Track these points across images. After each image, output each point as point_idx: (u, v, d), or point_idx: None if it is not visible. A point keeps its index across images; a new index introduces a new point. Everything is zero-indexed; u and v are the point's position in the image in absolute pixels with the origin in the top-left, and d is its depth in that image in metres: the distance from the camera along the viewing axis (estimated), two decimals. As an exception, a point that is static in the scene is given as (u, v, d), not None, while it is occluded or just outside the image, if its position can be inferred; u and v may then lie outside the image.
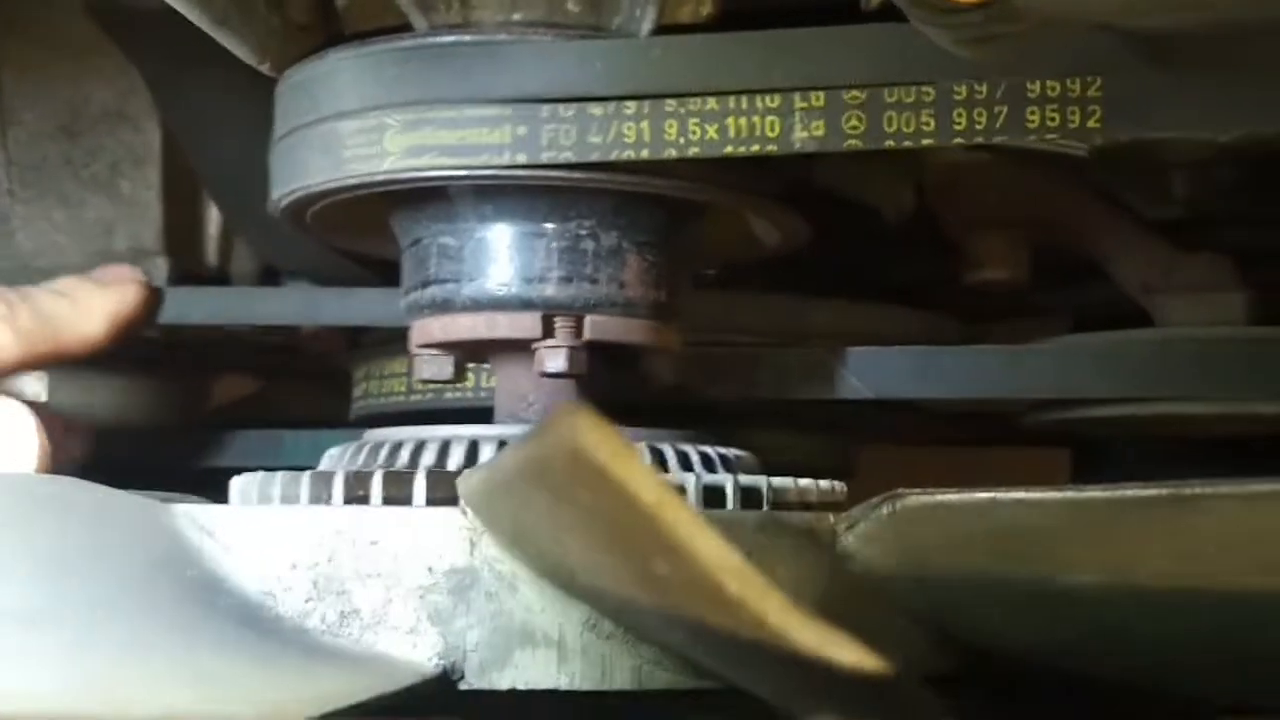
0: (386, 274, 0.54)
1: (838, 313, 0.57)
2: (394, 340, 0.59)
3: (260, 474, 0.42)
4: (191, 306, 0.57)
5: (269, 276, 0.68)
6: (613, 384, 0.50)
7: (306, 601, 0.35)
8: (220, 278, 0.68)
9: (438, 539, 0.36)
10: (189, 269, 0.66)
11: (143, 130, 0.63)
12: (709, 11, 0.44)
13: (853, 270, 0.65)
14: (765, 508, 0.40)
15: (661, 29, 0.42)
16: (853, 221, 0.65)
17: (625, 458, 0.22)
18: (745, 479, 0.40)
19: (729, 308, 0.56)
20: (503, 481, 0.31)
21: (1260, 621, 0.31)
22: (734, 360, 0.53)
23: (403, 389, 0.60)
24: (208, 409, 0.75)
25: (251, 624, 0.34)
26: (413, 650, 0.35)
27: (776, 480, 0.41)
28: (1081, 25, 0.33)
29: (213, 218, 0.67)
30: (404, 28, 0.44)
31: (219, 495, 0.66)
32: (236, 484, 0.44)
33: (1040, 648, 0.36)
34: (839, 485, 0.45)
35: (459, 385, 0.55)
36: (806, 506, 0.42)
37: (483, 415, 0.53)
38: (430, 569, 0.35)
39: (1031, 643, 0.36)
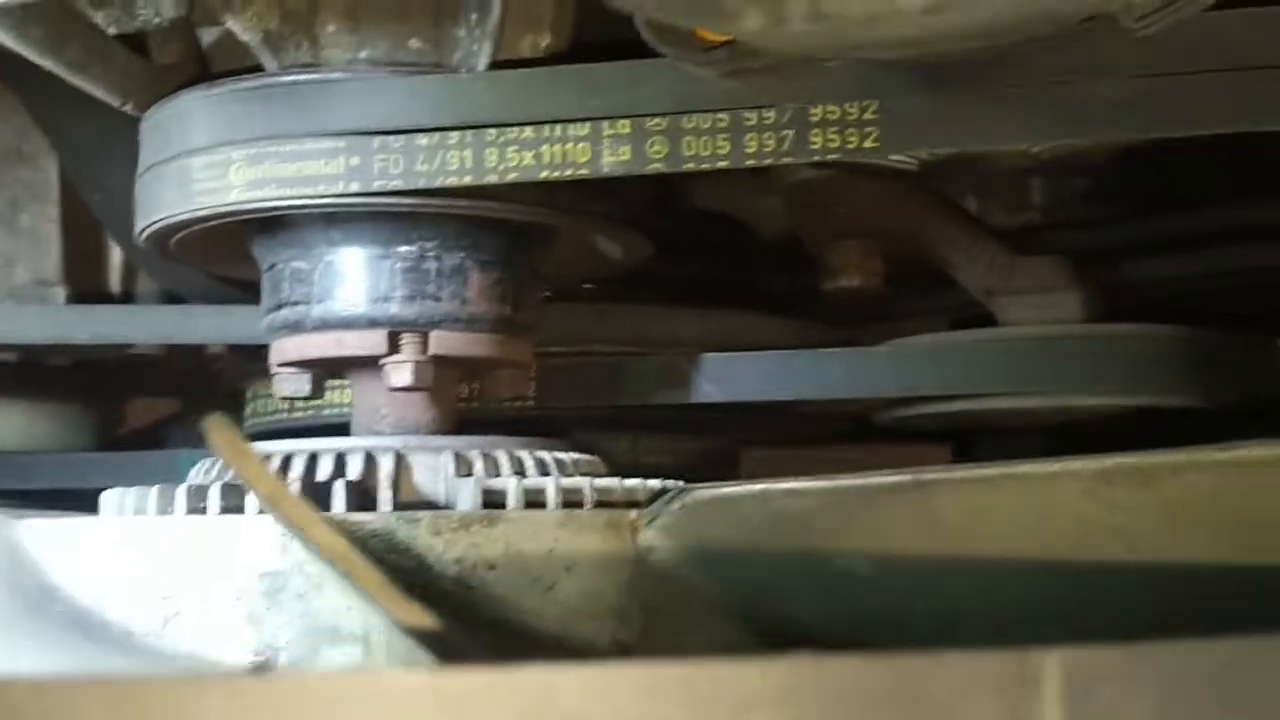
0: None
1: (704, 322, 0.60)
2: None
3: (121, 490, 0.45)
4: (74, 325, 0.59)
5: (172, 302, 0.71)
6: (475, 396, 0.53)
7: (133, 607, 0.38)
8: (125, 304, 0.71)
9: (253, 545, 0.38)
10: (93, 297, 0.69)
11: (41, 167, 0.66)
12: (548, 44, 0.47)
13: (735, 280, 0.68)
14: (588, 507, 0.43)
15: (500, 64, 0.45)
16: (733, 235, 0.68)
17: (244, 459, 0.25)
18: (568, 481, 0.43)
19: (596, 319, 0.59)
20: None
21: (1003, 589, 0.34)
22: (596, 369, 0.56)
23: (286, 406, 0.62)
24: (121, 433, 0.77)
25: (79, 629, 0.37)
26: (230, 649, 0.37)
27: (600, 481, 0.44)
28: (818, 57, 0.36)
29: (115, 248, 0.70)
30: (259, 69, 0.47)
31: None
32: (103, 497, 0.46)
33: (828, 628, 0.39)
34: (674, 485, 0.47)
35: (335, 402, 0.58)
36: (634, 503, 0.44)
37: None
38: (246, 573, 0.38)
39: (820, 623, 0.39)
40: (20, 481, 0.69)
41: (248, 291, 0.59)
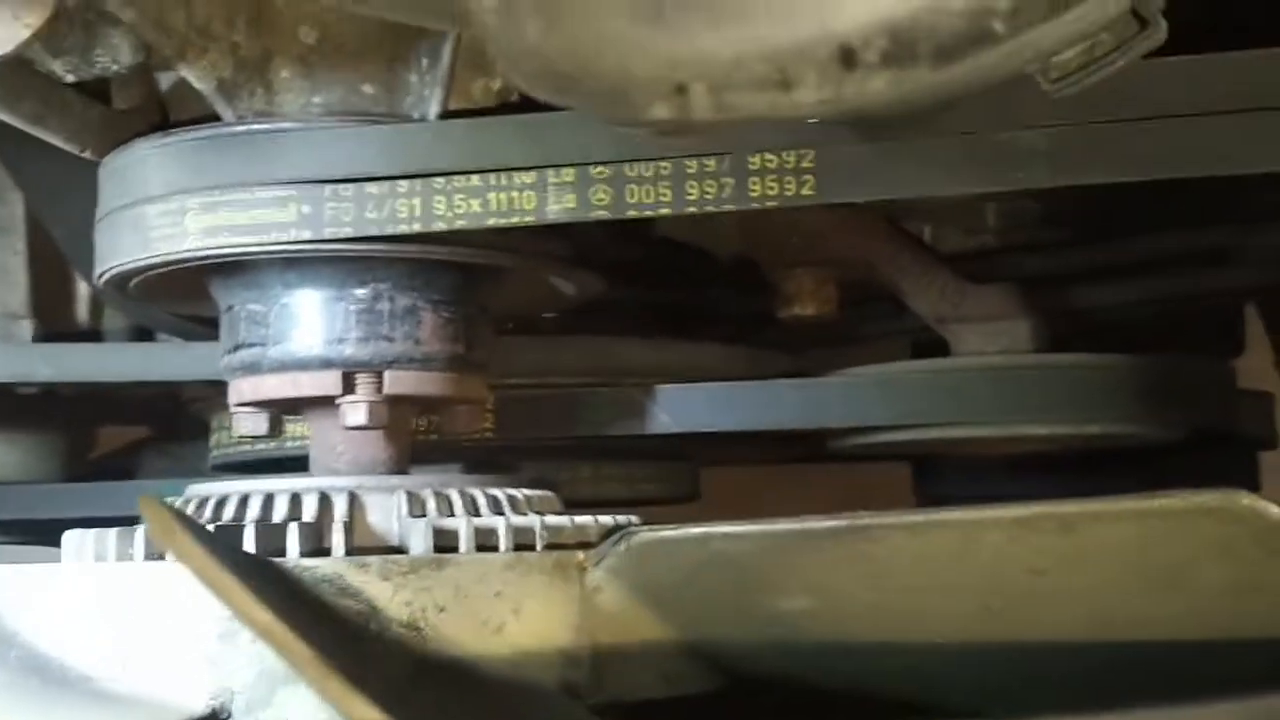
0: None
1: (658, 351, 0.61)
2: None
3: (84, 530, 0.46)
4: (39, 363, 0.60)
5: (140, 337, 0.72)
6: (429, 431, 0.54)
7: (91, 652, 0.39)
8: (93, 337, 0.72)
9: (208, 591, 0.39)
10: (61, 330, 0.69)
11: (7, 201, 0.67)
12: (499, 88, 0.48)
13: (690, 306, 0.69)
14: (539, 546, 0.44)
15: (453, 111, 0.46)
16: (688, 263, 0.70)
17: (170, 534, 0.26)
18: (519, 520, 0.44)
19: (552, 351, 0.60)
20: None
21: (937, 630, 0.35)
22: (551, 401, 0.57)
23: (250, 439, 0.63)
24: (90, 462, 0.78)
25: (38, 673, 0.38)
26: (187, 694, 0.38)
27: (551, 519, 0.45)
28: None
29: (82, 282, 0.71)
30: (217, 117, 0.47)
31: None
32: (65, 538, 0.47)
33: (769, 665, 0.40)
34: (626, 519, 0.48)
35: (298, 434, 0.59)
36: (584, 543, 0.45)
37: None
38: (202, 618, 0.39)
39: (762, 661, 0.40)
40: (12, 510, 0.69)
41: (211, 326, 0.60)
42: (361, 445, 0.49)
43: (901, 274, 0.60)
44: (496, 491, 0.47)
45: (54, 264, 0.69)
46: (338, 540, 0.42)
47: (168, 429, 0.79)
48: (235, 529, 0.42)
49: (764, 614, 0.39)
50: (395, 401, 0.48)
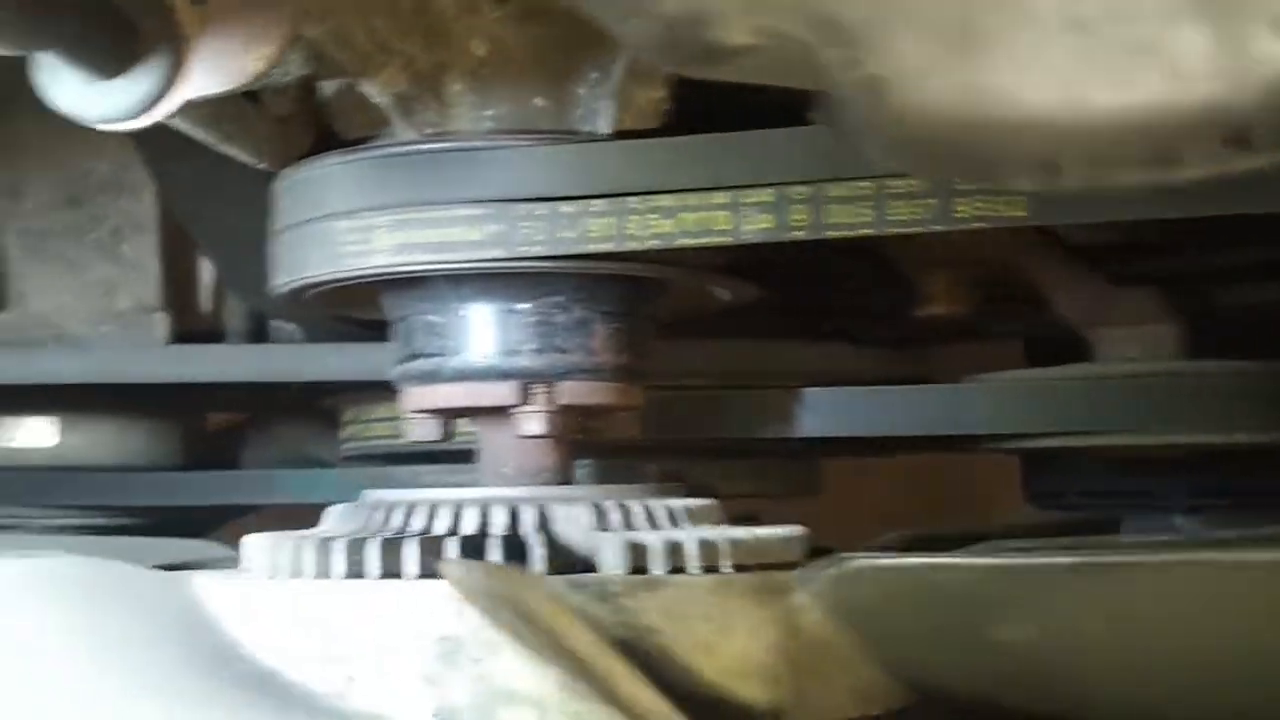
0: (373, 327, 0.58)
1: (791, 353, 0.62)
2: (377, 386, 0.63)
3: (269, 537, 0.46)
4: (193, 364, 0.61)
5: (259, 325, 0.72)
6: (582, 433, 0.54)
7: (313, 668, 0.40)
8: (213, 327, 0.72)
9: (428, 609, 0.40)
10: (185, 321, 0.70)
11: (141, 198, 0.68)
12: (663, 97, 0.48)
13: (801, 305, 0.69)
14: (726, 561, 0.44)
15: (620, 132, 0.46)
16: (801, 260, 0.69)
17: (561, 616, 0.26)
18: (707, 533, 0.44)
19: (688, 354, 0.60)
20: (481, 593, 0.36)
21: (1173, 677, 0.35)
22: (696, 404, 0.57)
23: (388, 432, 0.64)
24: (205, 449, 0.79)
25: (265, 690, 0.38)
26: (409, 711, 0.39)
27: (734, 532, 0.45)
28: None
29: (205, 273, 0.72)
30: (385, 124, 0.48)
31: (217, 532, 0.71)
32: (248, 545, 0.48)
33: (973, 689, 0.41)
34: (797, 530, 0.49)
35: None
36: (763, 555, 0.46)
37: (460, 456, 0.57)
38: (422, 637, 0.39)
39: (965, 685, 0.41)
40: (121, 498, 0.70)
41: (363, 328, 0.60)
42: (532, 453, 0.49)
43: (1048, 275, 0.60)
44: (672, 503, 0.47)
45: (179, 261, 0.70)
46: (539, 554, 0.43)
47: (268, 414, 0.80)
48: (397, 544, 0.43)
49: (979, 642, 0.39)
50: (568, 411, 0.48)
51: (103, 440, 0.73)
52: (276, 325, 0.72)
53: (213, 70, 0.37)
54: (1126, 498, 0.68)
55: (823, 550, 0.50)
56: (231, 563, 0.51)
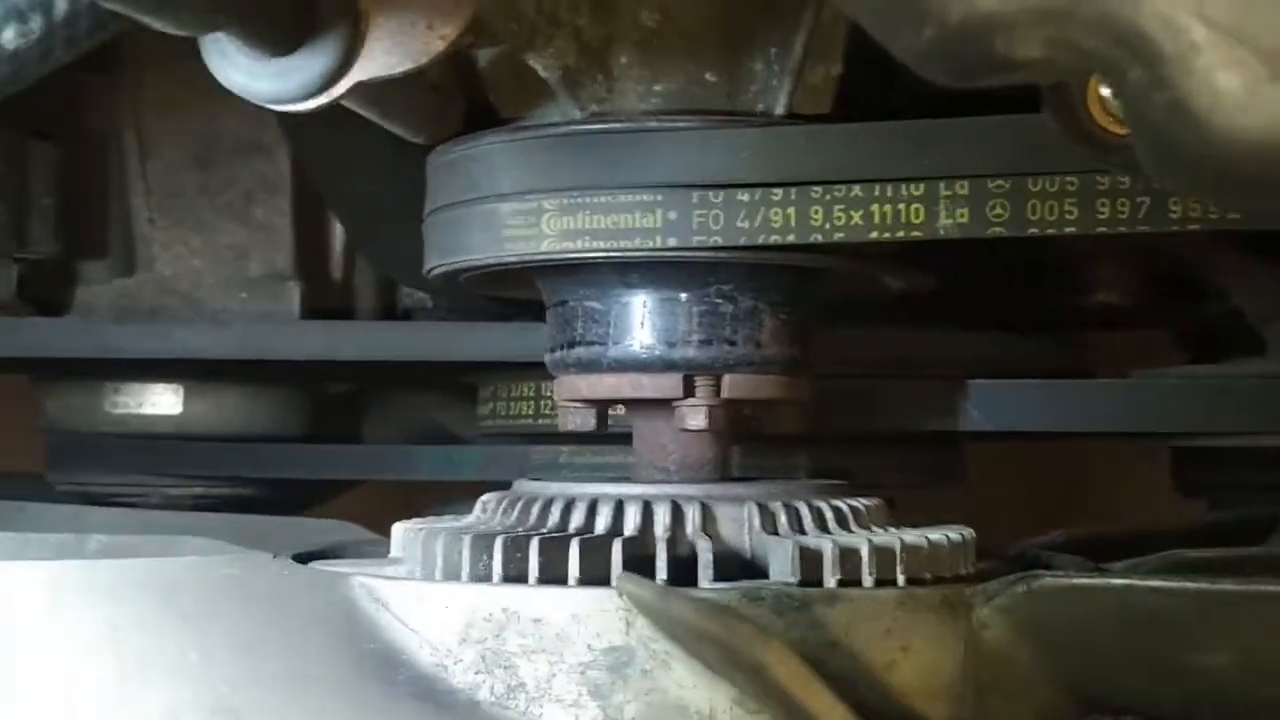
0: (519, 304, 0.56)
1: (948, 343, 0.59)
2: (521, 364, 0.61)
3: (421, 528, 0.45)
4: (335, 342, 0.60)
5: (388, 291, 0.71)
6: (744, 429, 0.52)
7: (476, 674, 0.38)
8: (344, 295, 0.71)
9: (596, 618, 0.38)
10: (316, 289, 0.69)
11: (274, 160, 0.66)
12: (838, 74, 0.45)
13: (950, 291, 0.66)
14: (899, 566, 0.42)
15: (794, 113, 0.43)
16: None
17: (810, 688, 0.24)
18: (879, 538, 0.42)
19: (843, 341, 0.57)
20: (670, 625, 0.34)
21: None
22: (851, 395, 0.55)
23: (530, 412, 0.62)
24: (327, 417, 0.78)
25: (427, 697, 0.37)
26: (576, 723, 0.38)
27: (908, 537, 0.43)
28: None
29: (337, 239, 0.70)
30: (544, 96, 0.45)
31: (344, 508, 0.70)
32: (398, 533, 0.46)
33: (1166, 708, 0.39)
34: (968, 534, 0.46)
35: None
36: (938, 562, 0.43)
37: (603, 438, 0.56)
38: (590, 646, 0.38)
39: (1159, 707, 0.39)
40: (252, 469, 0.70)
41: (508, 305, 0.58)
42: (692, 447, 0.47)
43: (1225, 267, 0.56)
44: (841, 503, 0.45)
45: (311, 227, 0.69)
46: (705, 560, 0.41)
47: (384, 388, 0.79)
48: (560, 544, 0.41)
49: (1174, 666, 0.37)
50: (731, 405, 0.46)
51: (227, 409, 0.72)
52: (407, 292, 0.71)
53: (392, 49, 0.35)
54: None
55: (988, 553, 0.48)
56: (375, 549, 0.50)
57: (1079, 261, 0.60)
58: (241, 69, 0.34)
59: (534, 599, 0.39)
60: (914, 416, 0.54)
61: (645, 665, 0.38)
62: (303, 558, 0.46)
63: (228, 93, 0.65)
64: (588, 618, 0.38)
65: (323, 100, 0.35)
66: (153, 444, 0.71)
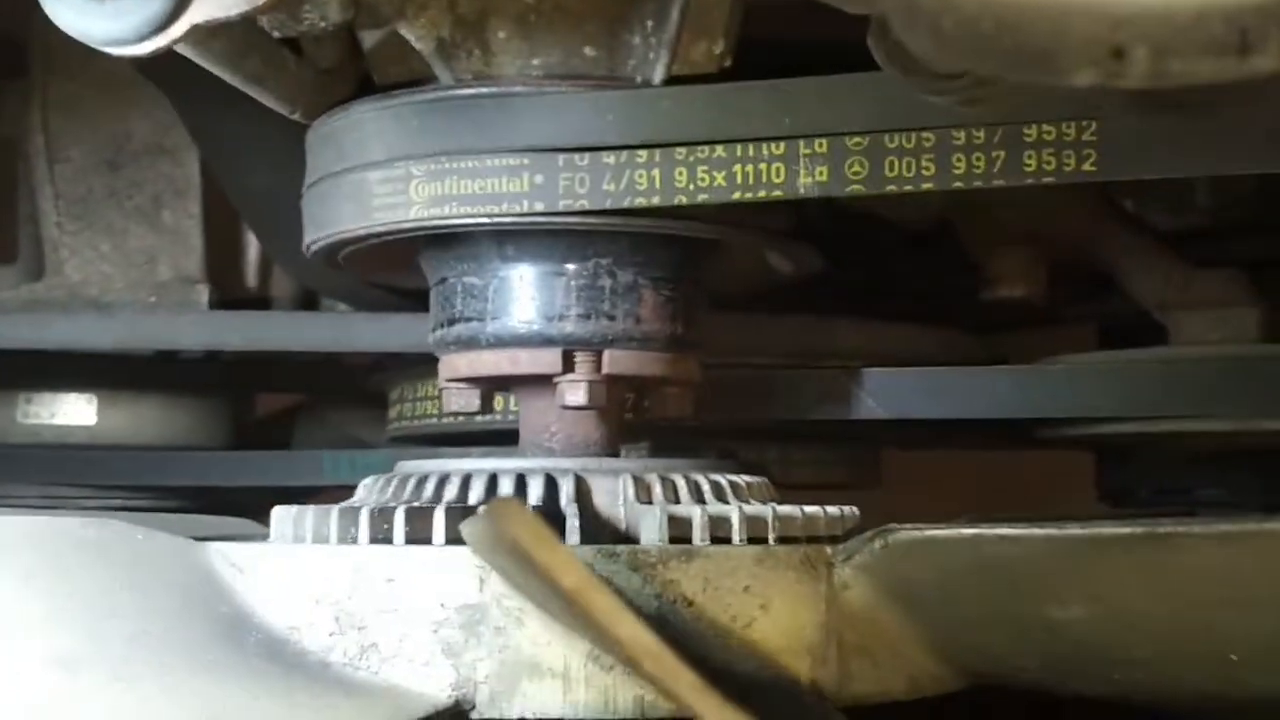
0: (419, 299, 0.56)
1: (854, 332, 0.59)
2: (425, 362, 0.61)
3: (296, 507, 0.44)
4: (229, 331, 0.59)
5: (307, 300, 0.71)
6: (632, 410, 0.52)
7: (329, 636, 0.38)
8: (260, 302, 0.71)
9: (450, 577, 0.38)
10: (230, 294, 0.69)
11: (182, 163, 0.66)
12: (720, 51, 0.46)
13: (869, 286, 0.66)
14: (771, 535, 0.41)
15: (674, 78, 0.44)
16: (871, 236, 0.67)
17: (548, 546, 0.24)
18: (751, 508, 0.42)
19: (744, 330, 0.57)
20: (481, 548, 0.34)
21: (1233, 653, 0.33)
22: (749, 383, 0.55)
23: (435, 411, 0.62)
24: (249, 429, 0.77)
25: (277, 659, 0.36)
26: (428, 682, 0.37)
27: (782, 509, 0.42)
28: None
29: (251, 244, 0.70)
30: (429, 77, 0.46)
31: (263, 516, 0.69)
32: (276, 514, 0.46)
33: (1025, 667, 0.38)
34: (848, 510, 0.46)
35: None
36: (813, 533, 0.43)
37: (512, 437, 0.55)
38: (443, 605, 0.37)
39: (1019, 663, 0.38)
40: (161, 478, 0.69)
41: (406, 297, 0.58)
42: (575, 425, 0.47)
43: (1124, 254, 0.56)
44: (719, 477, 0.45)
45: (223, 230, 0.69)
46: (573, 524, 0.41)
47: (323, 395, 0.78)
48: (426, 512, 0.40)
49: (1031, 620, 0.36)
50: (613, 381, 0.46)
51: (144, 419, 0.72)
52: (328, 304, 0.71)
53: (221, -8, 0.34)
54: (1201, 494, 0.64)
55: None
56: (265, 539, 0.49)
57: (984, 254, 0.60)
58: (73, 7, 0.33)
59: (386, 558, 0.38)
60: (809, 404, 0.54)
61: (499, 622, 0.37)
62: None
63: (137, 94, 0.66)
64: (440, 575, 0.38)
65: (160, 43, 0.35)
66: (66, 454, 0.70)
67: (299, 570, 0.39)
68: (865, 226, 0.66)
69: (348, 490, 0.63)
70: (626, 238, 0.45)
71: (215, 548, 0.40)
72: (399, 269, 0.51)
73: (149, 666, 0.36)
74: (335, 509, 0.42)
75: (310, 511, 0.43)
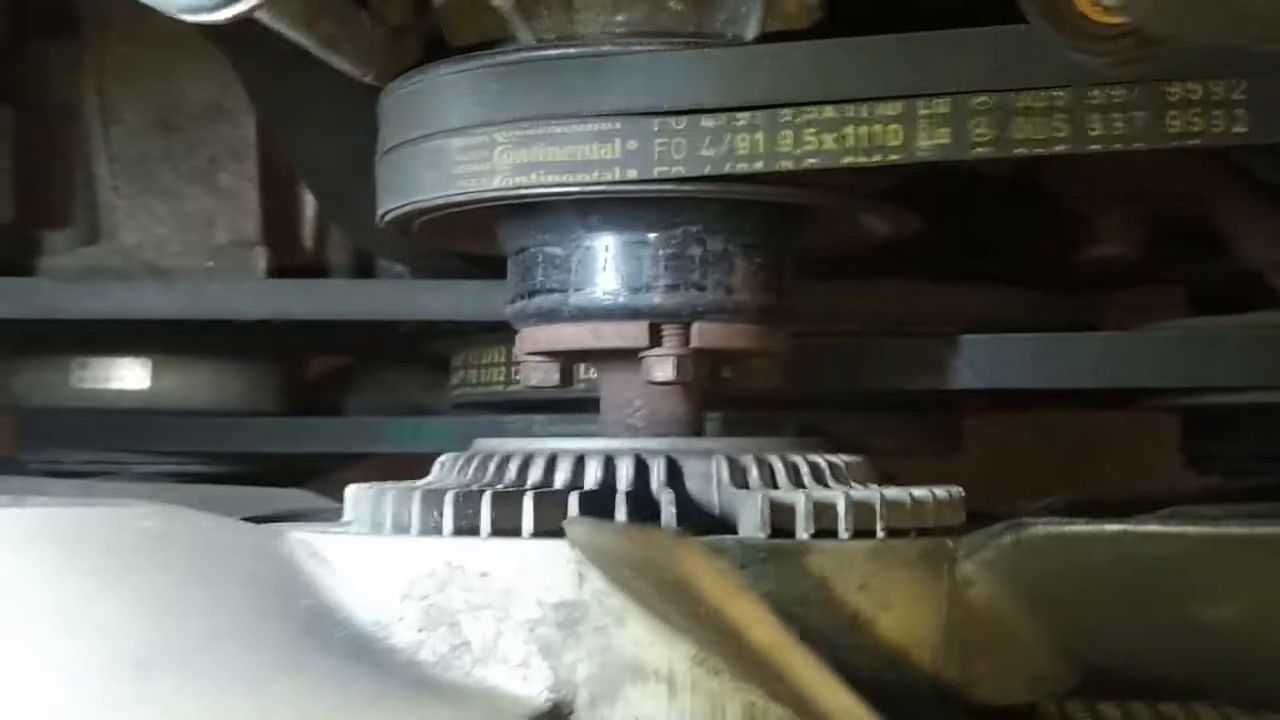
0: (485, 264, 0.53)
1: (945, 297, 0.56)
2: (491, 329, 0.59)
3: (374, 487, 0.42)
4: (292, 300, 0.57)
5: (363, 263, 0.68)
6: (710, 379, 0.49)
7: (419, 632, 0.35)
8: (316, 265, 0.68)
9: (546, 572, 0.35)
10: (286, 257, 0.66)
11: (239, 124, 0.63)
12: (814, 3, 0.42)
13: (945, 245, 0.63)
14: (879, 524, 0.39)
15: (765, 34, 0.41)
16: (948, 193, 0.63)
17: (736, 595, 0.22)
18: (856, 493, 0.39)
19: (831, 296, 0.54)
20: (607, 558, 0.31)
21: None
22: (840, 353, 0.52)
23: (501, 379, 0.60)
24: (307, 396, 0.75)
25: (364, 658, 0.34)
26: (523, 684, 0.35)
27: (889, 493, 0.40)
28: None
29: (307, 206, 0.68)
30: (504, 38, 0.43)
31: (321, 484, 0.67)
32: (351, 494, 0.44)
33: (1166, 669, 0.36)
34: (954, 491, 0.43)
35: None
36: (921, 519, 0.40)
37: (579, 405, 0.53)
38: (539, 602, 0.35)
39: (1160, 668, 0.36)
40: (223, 444, 0.67)
41: (466, 260, 0.56)
42: (660, 401, 0.44)
43: (1236, 214, 0.53)
44: (818, 458, 0.42)
45: (280, 193, 0.66)
46: (669, 512, 0.38)
47: (373, 359, 0.76)
48: (514, 498, 0.38)
49: (1175, 620, 0.34)
50: (701, 355, 0.43)
51: (198, 384, 0.70)
52: (384, 266, 0.68)
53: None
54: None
55: (977, 515, 0.45)
56: (334, 515, 0.47)
57: (1082, 210, 0.57)
58: (149, -25, 0.31)
59: (480, 551, 0.36)
60: (903, 375, 0.51)
61: (599, 621, 0.35)
62: (254, 522, 0.44)
63: (192, 57, 0.64)
64: (537, 571, 0.35)
65: (240, 8, 0.32)
66: (121, 419, 0.68)
67: (386, 562, 0.36)
68: (945, 180, 0.63)
69: (404, 458, 0.62)
70: (717, 204, 0.42)
71: (295, 536, 0.38)
72: (471, 236, 0.48)
73: (227, 668, 0.33)
74: (417, 493, 0.40)
75: (390, 494, 0.41)
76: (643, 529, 0.30)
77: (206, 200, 0.64)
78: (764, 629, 0.22)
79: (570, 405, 0.56)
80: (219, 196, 0.64)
